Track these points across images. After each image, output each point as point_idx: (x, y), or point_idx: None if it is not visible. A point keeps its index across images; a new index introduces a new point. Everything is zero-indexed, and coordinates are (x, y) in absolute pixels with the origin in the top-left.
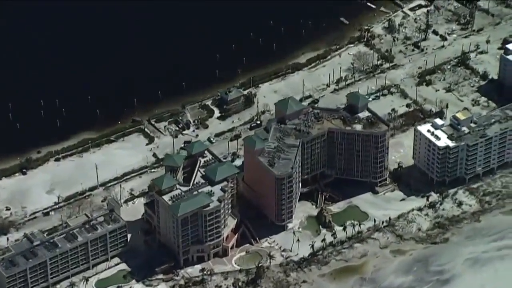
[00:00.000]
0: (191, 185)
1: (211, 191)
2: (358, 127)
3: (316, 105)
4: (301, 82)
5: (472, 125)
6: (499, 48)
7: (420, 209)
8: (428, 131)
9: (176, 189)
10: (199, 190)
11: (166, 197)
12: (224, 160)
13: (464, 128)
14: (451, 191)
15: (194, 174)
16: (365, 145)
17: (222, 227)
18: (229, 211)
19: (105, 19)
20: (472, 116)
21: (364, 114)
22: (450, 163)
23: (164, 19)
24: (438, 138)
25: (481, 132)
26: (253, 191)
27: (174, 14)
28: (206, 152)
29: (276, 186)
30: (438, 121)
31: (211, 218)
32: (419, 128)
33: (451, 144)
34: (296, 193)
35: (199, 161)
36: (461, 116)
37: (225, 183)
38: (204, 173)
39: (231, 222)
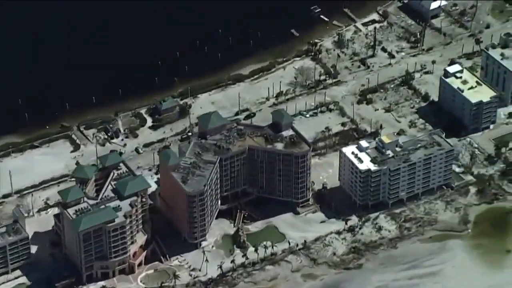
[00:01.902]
0: (99, 198)
1: (119, 206)
2: (280, 146)
3: (251, 119)
4: (241, 94)
5: (397, 149)
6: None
7: (338, 233)
8: (353, 153)
9: (83, 202)
10: (107, 205)
11: (71, 210)
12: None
13: (388, 152)
14: (373, 215)
15: (105, 187)
16: (286, 164)
17: (129, 243)
18: (139, 227)
19: (43, 19)
20: (397, 140)
21: (287, 133)
22: (372, 186)
23: (107, 21)
24: (361, 161)
25: (405, 156)
26: (168, 206)
27: (118, 16)
28: (121, 164)
29: (188, 204)
30: (364, 143)
31: (115, 234)
32: (344, 149)
33: (373, 167)
34: (211, 210)
35: (112, 174)
36: (386, 139)
37: (134, 198)
38: (114, 187)
39: (141, 238)
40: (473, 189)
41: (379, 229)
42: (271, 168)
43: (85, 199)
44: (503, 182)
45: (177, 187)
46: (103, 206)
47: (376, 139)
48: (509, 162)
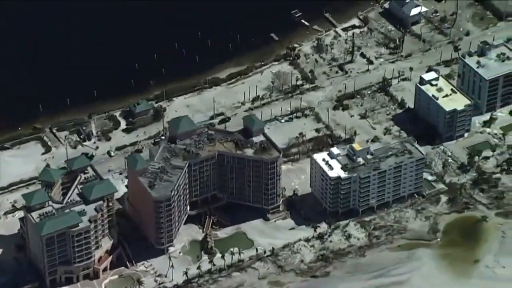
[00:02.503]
0: (64, 202)
1: (84, 210)
2: (250, 151)
3: (225, 124)
4: (217, 98)
5: (369, 156)
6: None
7: (307, 240)
8: (323, 160)
9: (48, 205)
10: (72, 209)
11: (35, 214)
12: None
13: (359, 159)
14: (343, 222)
15: (71, 191)
16: (256, 170)
17: (94, 248)
18: (105, 232)
19: (16, 20)
20: (368, 147)
21: (258, 139)
22: (342, 194)
23: (85, 23)
24: (331, 168)
25: (375, 164)
26: (136, 211)
27: (96, 17)
28: (88, 168)
29: (154, 209)
30: (335, 150)
31: (79, 238)
32: (315, 156)
33: (343, 175)
34: (179, 216)
35: (79, 177)
36: (357, 146)
37: (100, 202)
38: (80, 191)
39: (107, 243)
40: (444, 198)
41: (348, 236)
42: (241, 174)
43: (50, 202)
44: (474, 191)
45: (144, 192)
46: (67, 210)
47: (347, 146)
48: (481, 171)
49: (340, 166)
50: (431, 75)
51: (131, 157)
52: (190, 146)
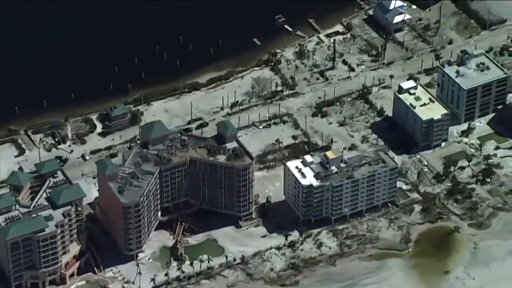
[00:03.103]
0: (32, 207)
1: (51, 215)
2: (222, 158)
3: (202, 129)
4: (196, 103)
5: (342, 165)
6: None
7: (278, 248)
8: (297, 167)
9: (15, 210)
10: (39, 213)
11: (1, 218)
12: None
13: (333, 168)
14: (315, 231)
15: (39, 195)
16: (228, 177)
17: (60, 253)
18: (73, 237)
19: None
20: (342, 155)
21: (232, 145)
22: (315, 202)
23: (64, 23)
24: (304, 175)
25: (348, 173)
26: (106, 216)
27: (76, 18)
28: (58, 172)
29: (123, 215)
30: (308, 158)
31: (45, 243)
32: (288, 163)
33: (315, 183)
34: (149, 222)
35: (48, 182)
36: (331, 155)
37: (68, 207)
38: (49, 195)
39: (74, 249)
40: (418, 208)
41: (320, 245)
42: (213, 180)
43: (17, 207)
44: (448, 201)
45: (113, 197)
46: (34, 215)
47: (321, 154)
48: (456, 181)
49: (313, 174)
50: (410, 83)
51: (101, 162)
52: (162, 152)
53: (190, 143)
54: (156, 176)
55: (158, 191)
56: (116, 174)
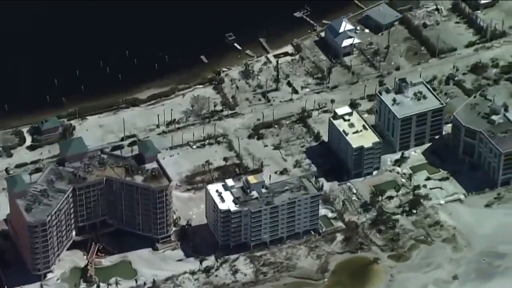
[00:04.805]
0: None
1: None
2: (139, 178)
3: (132, 148)
4: (133, 119)
5: (263, 190)
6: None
7: (193, 273)
8: (217, 191)
9: None
10: None
11: None
12: None
13: (254, 193)
14: (233, 256)
15: None
16: (144, 198)
17: None
18: None
19: None
20: (263, 181)
21: (151, 166)
22: (233, 227)
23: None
24: (223, 200)
25: (268, 199)
26: (16, 234)
27: (20, 26)
28: None
29: (29, 234)
30: (229, 182)
31: None
32: (209, 186)
33: (233, 208)
34: (60, 241)
35: None
36: (252, 179)
37: None
38: None
39: None
40: (340, 237)
41: (235, 271)
42: (131, 201)
43: None
44: (371, 231)
45: (21, 215)
46: None
47: (243, 178)
48: (382, 211)
49: (232, 198)
50: (345, 109)
51: (11, 178)
52: (78, 170)
53: (109, 162)
54: (68, 195)
55: (72, 210)
56: (26, 192)
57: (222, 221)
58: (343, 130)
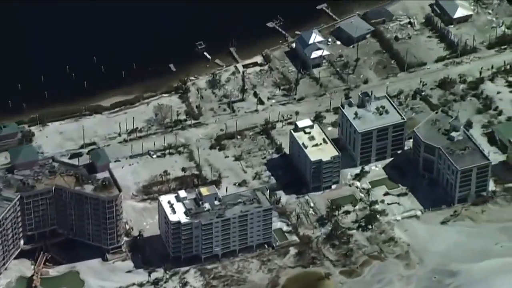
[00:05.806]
0: None
1: None
2: (89, 188)
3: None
4: (95, 127)
5: (216, 202)
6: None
7: (141, 285)
8: (169, 202)
9: None
10: None
11: None
12: None
13: (206, 205)
14: (184, 269)
15: None
16: (94, 208)
17: None
18: None
19: None
20: (216, 193)
21: (102, 175)
22: (184, 239)
23: None
24: (174, 211)
25: (220, 211)
26: None
27: None
28: None
29: None
30: (182, 193)
31: None
32: (161, 198)
33: (183, 220)
34: (6, 250)
35: None
36: (204, 191)
37: None
38: None
39: None
40: (293, 251)
41: (185, 284)
42: (80, 210)
43: None
44: (325, 246)
45: None
46: None
47: (196, 190)
48: (337, 226)
49: (184, 210)
50: (306, 122)
51: None
52: (28, 178)
53: (60, 170)
54: (15, 203)
55: (20, 218)
56: None
57: (173, 232)
58: (303, 143)
